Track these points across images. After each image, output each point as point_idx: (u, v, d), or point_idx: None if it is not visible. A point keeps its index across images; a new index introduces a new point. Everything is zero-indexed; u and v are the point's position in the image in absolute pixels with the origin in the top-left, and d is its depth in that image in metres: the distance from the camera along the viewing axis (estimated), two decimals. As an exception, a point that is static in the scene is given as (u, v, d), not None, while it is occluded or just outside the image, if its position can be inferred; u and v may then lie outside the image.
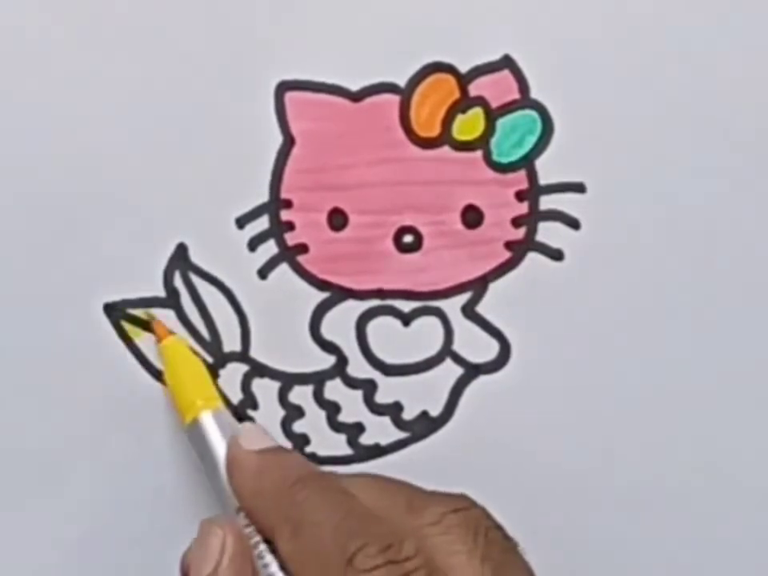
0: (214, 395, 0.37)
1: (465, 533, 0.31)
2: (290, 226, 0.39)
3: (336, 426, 0.40)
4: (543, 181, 0.38)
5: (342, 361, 0.40)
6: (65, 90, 0.38)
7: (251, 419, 0.40)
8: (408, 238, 0.39)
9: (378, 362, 0.40)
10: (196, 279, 0.39)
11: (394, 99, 0.38)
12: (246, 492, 0.33)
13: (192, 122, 0.38)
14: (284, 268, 0.39)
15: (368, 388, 0.40)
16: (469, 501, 0.32)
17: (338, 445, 0.40)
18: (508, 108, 0.38)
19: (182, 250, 0.39)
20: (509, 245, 0.39)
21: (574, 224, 0.38)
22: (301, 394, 0.40)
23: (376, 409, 0.40)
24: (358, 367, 0.40)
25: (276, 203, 0.39)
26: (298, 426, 0.40)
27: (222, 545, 0.33)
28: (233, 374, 0.40)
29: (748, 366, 0.39)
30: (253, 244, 0.39)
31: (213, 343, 0.39)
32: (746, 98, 0.38)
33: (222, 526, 0.33)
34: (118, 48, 0.38)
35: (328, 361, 0.40)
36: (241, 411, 0.40)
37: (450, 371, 0.40)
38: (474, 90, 0.38)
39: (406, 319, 0.39)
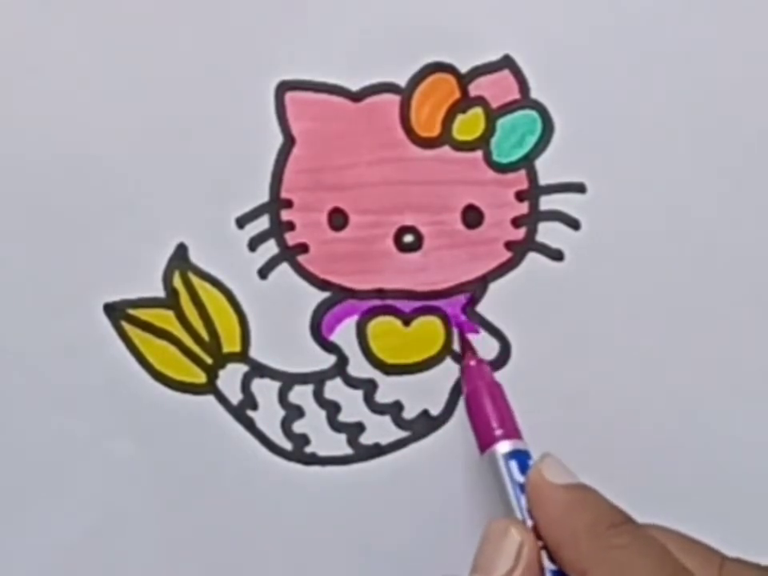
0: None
1: None
2: (290, 226, 0.39)
3: (336, 425, 0.40)
4: (543, 181, 0.38)
5: (342, 360, 0.40)
6: (65, 90, 0.38)
7: (251, 420, 0.40)
8: (408, 238, 0.39)
9: (378, 362, 0.40)
10: (196, 279, 0.39)
11: (394, 99, 0.38)
12: (554, 527, 0.32)
13: (192, 122, 0.38)
14: (284, 268, 0.39)
15: (368, 387, 0.40)
16: None
17: (338, 445, 0.40)
18: (508, 108, 0.38)
19: (182, 250, 0.39)
20: (509, 245, 0.39)
21: (573, 224, 0.38)
22: (301, 394, 0.40)
23: (376, 408, 0.40)
24: (358, 367, 0.40)
25: (276, 203, 0.39)
26: (298, 426, 0.40)
27: (518, 551, 0.32)
28: (233, 374, 0.40)
29: (749, 365, 0.39)
30: (253, 244, 0.39)
31: (212, 343, 0.39)
32: (747, 98, 0.38)
33: (519, 531, 0.32)
34: (118, 48, 0.38)
35: (328, 361, 0.40)
36: (241, 411, 0.40)
37: (450, 371, 0.40)
38: (474, 90, 0.38)
39: (406, 319, 0.39)
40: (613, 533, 0.31)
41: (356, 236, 0.39)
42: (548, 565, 0.32)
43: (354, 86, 0.38)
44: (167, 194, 0.39)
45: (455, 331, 0.39)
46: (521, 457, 0.35)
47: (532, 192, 0.38)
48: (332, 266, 0.39)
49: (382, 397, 0.40)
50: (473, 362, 0.38)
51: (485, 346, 0.39)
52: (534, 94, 0.38)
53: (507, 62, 0.38)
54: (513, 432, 0.36)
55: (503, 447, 0.35)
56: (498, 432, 0.35)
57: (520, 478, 0.34)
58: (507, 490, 0.34)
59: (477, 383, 0.37)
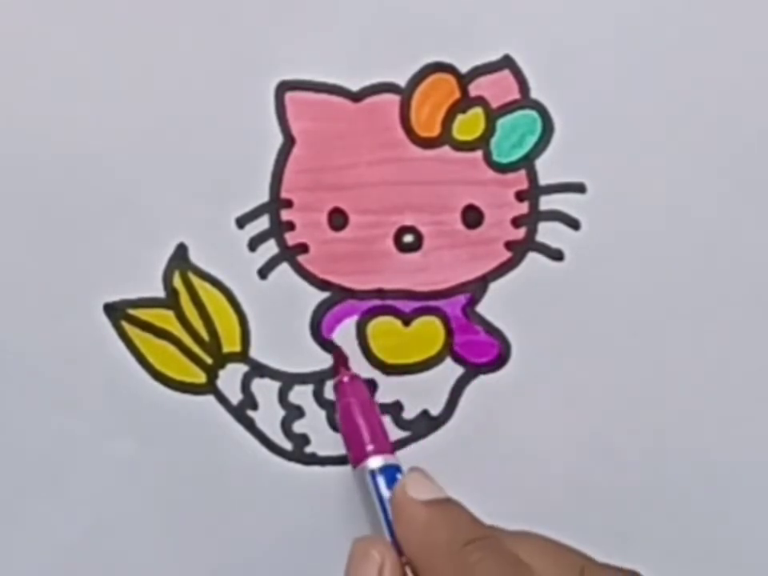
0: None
1: None
2: (290, 226, 0.39)
3: (336, 425, 0.40)
4: (543, 181, 0.38)
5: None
6: (65, 90, 0.38)
7: (251, 420, 0.40)
8: (408, 238, 0.39)
9: (378, 362, 0.40)
10: (196, 279, 0.39)
11: (394, 99, 0.38)
12: (414, 545, 0.32)
13: (192, 122, 0.38)
14: (284, 268, 0.39)
15: (368, 388, 0.40)
16: None
17: (338, 445, 0.40)
18: (508, 108, 0.38)
19: (182, 250, 0.39)
20: (509, 245, 0.39)
21: (573, 224, 0.38)
22: (301, 394, 0.40)
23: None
24: (358, 367, 0.40)
25: (276, 203, 0.39)
26: (298, 426, 0.40)
27: (379, 571, 0.32)
28: (233, 374, 0.40)
29: (748, 366, 0.39)
30: (253, 244, 0.39)
31: (212, 343, 0.39)
32: (747, 98, 0.38)
33: (380, 551, 0.33)
34: (118, 48, 0.38)
35: (328, 361, 0.40)
36: (241, 411, 0.40)
37: (450, 371, 0.40)
38: (474, 90, 0.38)
39: (406, 319, 0.39)
40: (468, 549, 0.31)
41: (356, 236, 0.39)
42: None
43: (354, 86, 0.38)
44: (167, 194, 0.39)
45: (455, 331, 0.39)
46: (390, 472, 0.35)
47: (532, 192, 0.38)
48: (332, 265, 0.39)
49: (382, 397, 0.40)
50: (346, 378, 0.38)
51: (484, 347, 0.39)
52: (534, 94, 0.38)
53: (507, 62, 0.38)
54: (384, 447, 0.36)
55: (373, 463, 0.35)
56: (369, 447, 0.36)
57: (387, 494, 0.34)
58: (374, 506, 0.34)
59: (349, 399, 0.37)
